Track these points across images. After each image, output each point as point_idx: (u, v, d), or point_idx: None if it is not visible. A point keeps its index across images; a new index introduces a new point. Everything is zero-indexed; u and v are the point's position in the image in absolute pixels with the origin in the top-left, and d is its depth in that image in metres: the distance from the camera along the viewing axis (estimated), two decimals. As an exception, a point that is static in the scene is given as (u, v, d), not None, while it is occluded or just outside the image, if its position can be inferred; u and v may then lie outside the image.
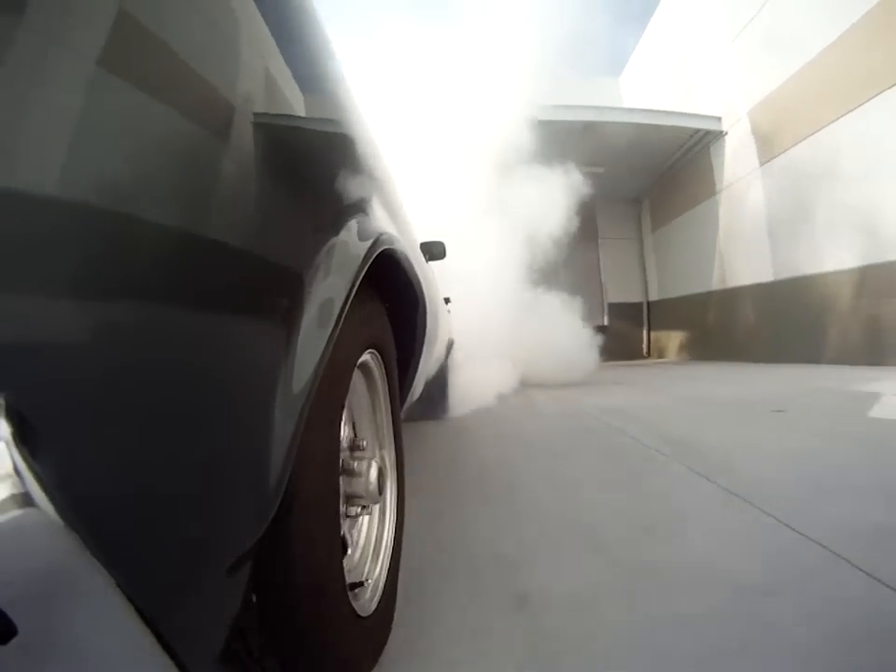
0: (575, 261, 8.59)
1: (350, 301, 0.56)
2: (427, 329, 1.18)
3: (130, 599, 0.26)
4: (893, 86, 4.39)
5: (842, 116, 4.90)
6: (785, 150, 5.75)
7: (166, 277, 0.32)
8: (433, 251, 2.21)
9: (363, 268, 0.61)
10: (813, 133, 5.30)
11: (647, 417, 2.56)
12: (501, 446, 2.08)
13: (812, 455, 1.60)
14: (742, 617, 0.72)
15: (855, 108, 4.75)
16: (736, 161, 6.69)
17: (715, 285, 7.35)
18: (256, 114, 0.42)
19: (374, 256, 0.66)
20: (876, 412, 2.29)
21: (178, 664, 0.31)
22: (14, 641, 0.20)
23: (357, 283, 0.59)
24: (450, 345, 2.72)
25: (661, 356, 9.32)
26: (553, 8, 6.18)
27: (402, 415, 1.14)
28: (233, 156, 0.38)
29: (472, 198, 5.16)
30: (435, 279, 1.84)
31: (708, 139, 7.12)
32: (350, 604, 0.60)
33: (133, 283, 0.29)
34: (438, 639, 0.73)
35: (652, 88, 9.19)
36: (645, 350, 9.89)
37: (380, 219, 0.76)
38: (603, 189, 7.02)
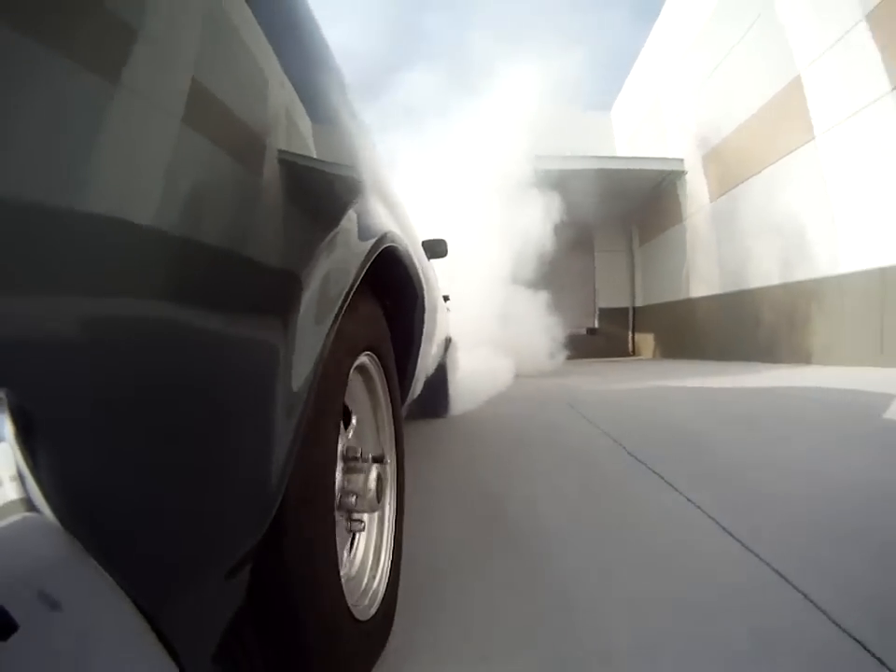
0: (572, 270, 10.19)
1: (350, 299, 0.57)
2: (427, 327, 1.21)
3: (129, 599, 0.26)
4: (796, 150, 5.88)
5: (766, 167, 6.40)
6: (727, 191, 7.25)
7: (165, 278, 0.32)
8: (435, 249, 2.23)
9: (364, 266, 0.62)
10: (745, 180, 6.80)
11: (590, 389, 4.19)
12: (511, 403, 3.70)
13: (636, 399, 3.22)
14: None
15: (773, 163, 6.25)
16: (694, 197, 8.21)
17: (682, 295, 8.86)
18: (257, 115, 0.43)
19: (377, 253, 0.68)
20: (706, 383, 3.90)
21: (178, 664, 0.30)
22: (14, 638, 0.20)
23: (359, 281, 0.60)
24: (448, 343, 2.79)
25: (642, 354, 10.85)
26: (553, 48, 7.72)
27: (403, 413, 1.14)
28: (231, 158, 0.39)
29: (485, 219, 6.65)
30: (436, 277, 1.88)
31: (674, 176, 8.63)
32: (348, 608, 0.60)
33: (133, 285, 0.30)
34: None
35: (636, 124, 10.68)
36: (630, 349, 11.40)
37: (382, 217, 0.77)
38: (599, 209, 8.47)
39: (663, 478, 1.46)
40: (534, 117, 7.46)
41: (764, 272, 6.49)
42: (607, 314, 11.48)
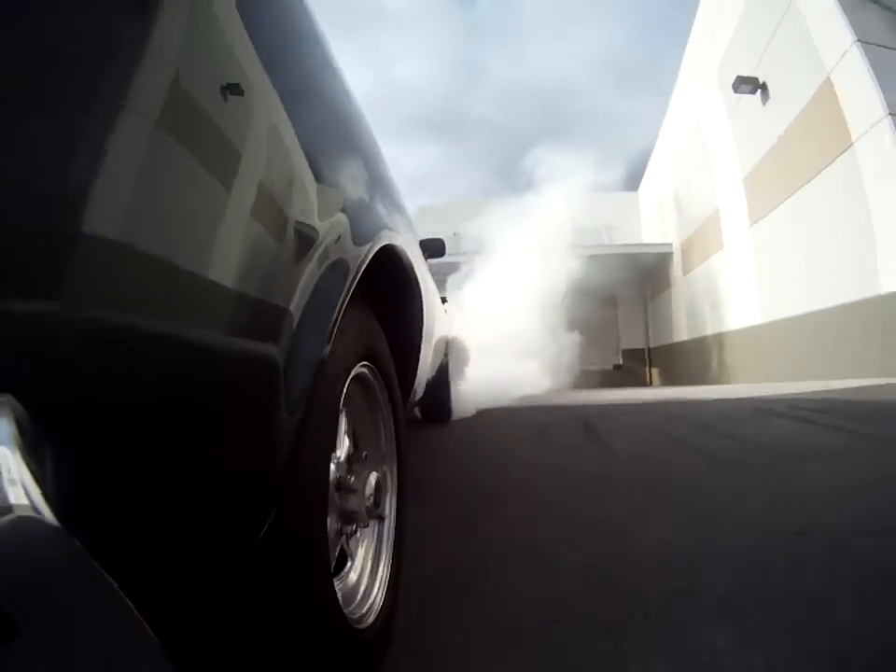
0: (600, 319, 13.65)
1: (346, 306, 0.56)
2: (426, 325, 1.22)
3: (129, 599, 0.26)
4: (719, 251, 9.35)
5: (707, 258, 9.88)
6: (692, 270, 10.73)
7: (164, 286, 0.32)
8: (432, 248, 2.25)
9: (362, 265, 0.62)
10: (699, 264, 10.29)
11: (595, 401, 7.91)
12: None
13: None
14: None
15: (709, 257, 9.74)
16: (676, 270, 11.70)
17: (674, 339, 12.19)
18: (255, 118, 0.43)
19: (374, 252, 0.68)
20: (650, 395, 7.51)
21: (178, 664, 0.30)
22: (14, 639, 0.20)
23: (356, 283, 0.60)
24: (449, 345, 2.72)
25: (654, 383, 14.06)
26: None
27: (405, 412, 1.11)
28: (226, 164, 0.39)
29: (539, 285, 9.04)
30: (431, 278, 1.86)
31: (667, 255, 12.17)
32: (344, 616, 0.59)
33: (133, 292, 0.30)
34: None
35: (650, 209, 14.32)
36: (648, 380, 14.58)
37: (381, 216, 0.77)
38: (620, 274, 11.75)
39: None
40: (577, 200, 10.96)
41: (702, 326, 9.90)
42: (629, 353, 14.79)
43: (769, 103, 7.18)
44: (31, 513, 0.23)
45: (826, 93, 5.87)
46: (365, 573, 0.76)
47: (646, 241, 13.31)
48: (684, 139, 10.87)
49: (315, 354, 0.51)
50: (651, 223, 14.20)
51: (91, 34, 0.29)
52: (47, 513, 0.24)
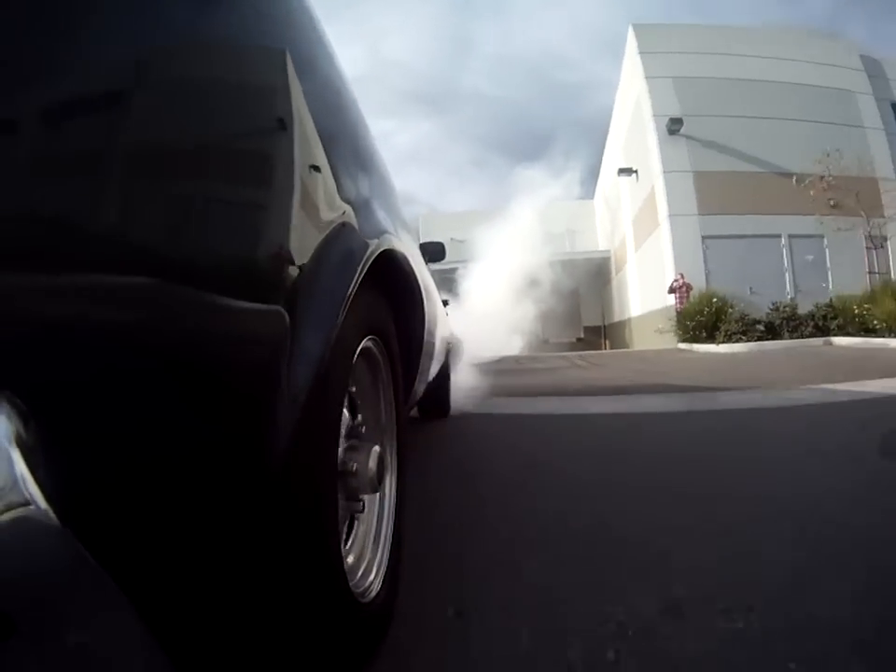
0: (566, 304, 18.57)
1: (354, 290, 0.58)
2: (427, 327, 1.24)
3: (129, 599, 0.26)
4: (626, 263, 14.25)
5: (623, 267, 14.78)
6: (619, 272, 15.63)
7: (173, 270, 0.32)
8: (432, 252, 2.34)
9: (366, 264, 0.64)
10: (621, 269, 15.20)
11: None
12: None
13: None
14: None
15: (624, 265, 14.64)
16: (612, 271, 16.63)
17: (615, 319, 17.20)
18: (268, 123, 0.44)
19: (378, 252, 0.70)
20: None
21: (178, 663, 0.30)
22: (14, 638, 0.20)
23: (361, 275, 0.61)
24: (449, 347, 2.78)
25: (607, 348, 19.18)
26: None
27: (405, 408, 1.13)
28: (245, 157, 0.41)
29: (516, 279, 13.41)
30: (432, 281, 1.89)
31: (607, 258, 17.03)
32: (350, 590, 0.60)
33: (138, 278, 0.30)
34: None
35: (601, 217, 19.08)
36: (603, 347, 19.66)
37: (382, 221, 0.80)
38: (579, 269, 16.59)
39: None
40: (544, 209, 15.09)
41: (622, 312, 14.94)
42: (589, 329, 19.82)
43: (638, 183, 11.99)
44: (30, 511, 0.23)
45: (652, 193, 10.73)
46: (366, 549, 0.77)
47: (601, 242, 18.12)
48: (611, 180, 15.63)
49: (331, 322, 0.52)
50: (602, 229, 18.98)
51: (92, 33, 0.29)
52: (46, 511, 0.24)
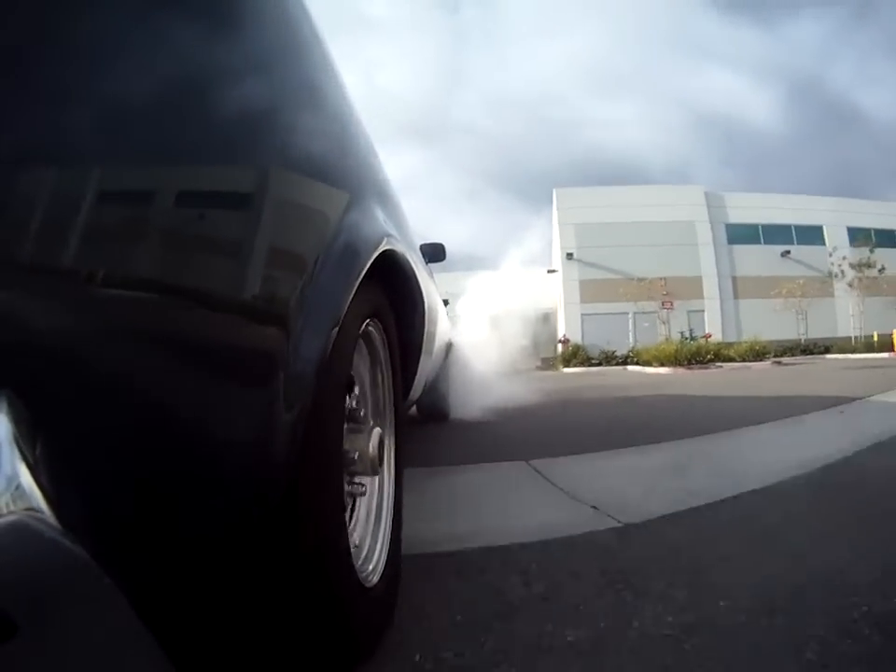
0: (543, 332, 28.05)
1: (356, 290, 0.59)
2: (427, 327, 1.26)
3: (129, 599, 0.26)
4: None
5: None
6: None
7: (177, 266, 0.33)
8: (433, 252, 2.40)
9: (367, 262, 0.65)
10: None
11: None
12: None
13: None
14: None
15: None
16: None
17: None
18: (268, 122, 0.45)
19: (378, 253, 0.71)
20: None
21: (178, 663, 0.30)
22: (14, 639, 0.20)
23: (362, 274, 0.62)
24: (450, 347, 2.76)
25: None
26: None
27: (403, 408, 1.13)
28: (251, 160, 0.42)
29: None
30: (433, 281, 1.88)
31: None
32: (356, 575, 0.60)
33: (140, 274, 0.29)
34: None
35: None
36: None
37: (383, 222, 0.81)
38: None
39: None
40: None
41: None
42: (544, 359, 29.37)
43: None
44: (30, 513, 0.23)
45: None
46: (367, 534, 0.77)
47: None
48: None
49: (338, 307, 0.54)
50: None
51: (91, 33, 0.29)
52: (46, 512, 0.23)
